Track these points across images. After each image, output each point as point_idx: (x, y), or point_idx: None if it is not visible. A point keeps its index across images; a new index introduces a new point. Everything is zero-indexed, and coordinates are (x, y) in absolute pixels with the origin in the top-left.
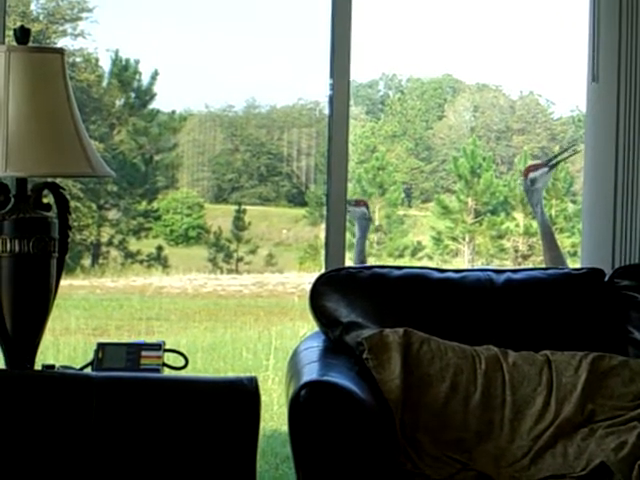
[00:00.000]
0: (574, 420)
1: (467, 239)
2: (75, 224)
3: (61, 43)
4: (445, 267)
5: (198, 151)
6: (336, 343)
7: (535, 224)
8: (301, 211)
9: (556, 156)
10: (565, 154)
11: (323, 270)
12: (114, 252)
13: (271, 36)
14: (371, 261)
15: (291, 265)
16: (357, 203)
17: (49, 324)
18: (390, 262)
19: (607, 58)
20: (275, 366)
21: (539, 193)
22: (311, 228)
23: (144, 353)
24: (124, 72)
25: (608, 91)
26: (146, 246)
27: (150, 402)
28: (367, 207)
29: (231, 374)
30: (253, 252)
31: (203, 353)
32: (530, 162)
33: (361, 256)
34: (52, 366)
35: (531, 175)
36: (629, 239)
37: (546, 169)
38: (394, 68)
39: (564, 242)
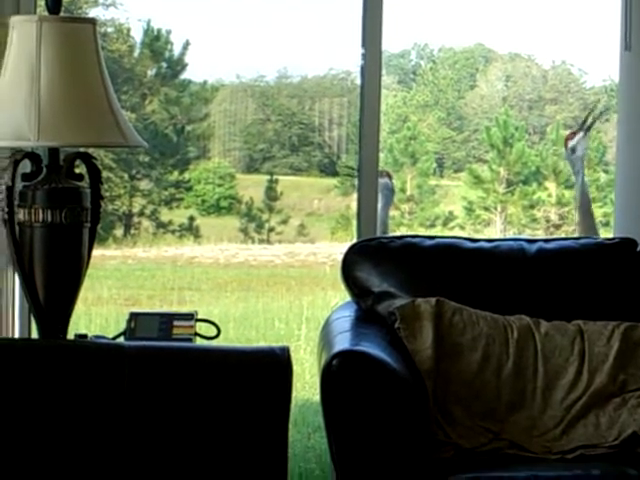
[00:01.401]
0: (606, 390)
1: (499, 209)
2: (107, 194)
3: (93, 13)
4: (477, 237)
5: (229, 121)
6: (368, 313)
7: (568, 194)
8: (333, 181)
9: (588, 119)
10: (597, 115)
11: (355, 240)
12: (146, 222)
13: (302, 5)
14: (403, 231)
15: (323, 235)
16: (380, 174)
17: (81, 294)
18: (422, 232)
19: None
20: (307, 336)
21: (580, 161)
22: (342, 198)
23: (176, 323)
24: (156, 42)
25: None
26: (178, 216)
27: (182, 372)
28: (390, 178)
29: (263, 344)
30: (285, 222)
31: (235, 323)
32: (567, 131)
33: (383, 227)
34: (85, 335)
35: (570, 143)
36: None
37: (582, 133)
38: (426, 38)
39: (597, 212)
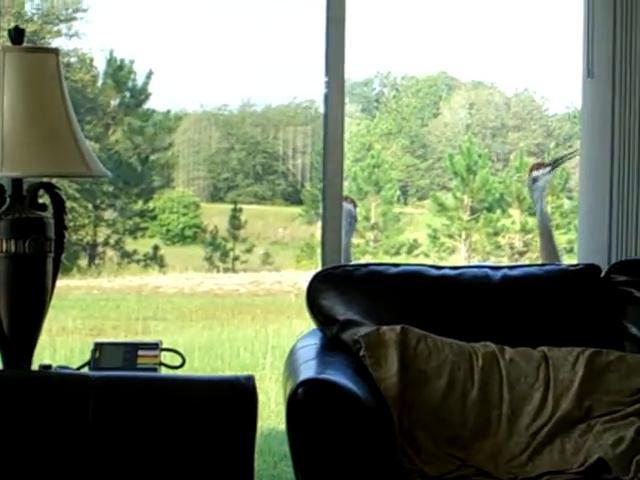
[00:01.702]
0: (572, 416)
1: (463, 236)
2: (71, 224)
3: (56, 43)
4: (442, 264)
5: (194, 150)
6: (333, 341)
7: (531, 221)
8: (297, 209)
9: (561, 158)
10: (569, 156)
11: (319, 268)
12: (110, 252)
13: (266, 35)
14: (367, 259)
15: (287, 264)
16: (343, 199)
17: (46, 324)
18: (386, 260)
19: (602, 53)
20: (272, 364)
21: (540, 191)
22: (307, 227)
23: (141, 352)
24: (119, 72)
25: (603, 86)
26: (142, 246)
27: (147, 402)
28: (354, 205)
29: (228, 373)
30: (249, 251)
31: (200, 352)
32: (535, 161)
33: (345, 253)
34: (49, 366)
35: (534, 173)
36: (625, 235)
37: (548, 169)
38: (389, 66)
39: (560, 238)
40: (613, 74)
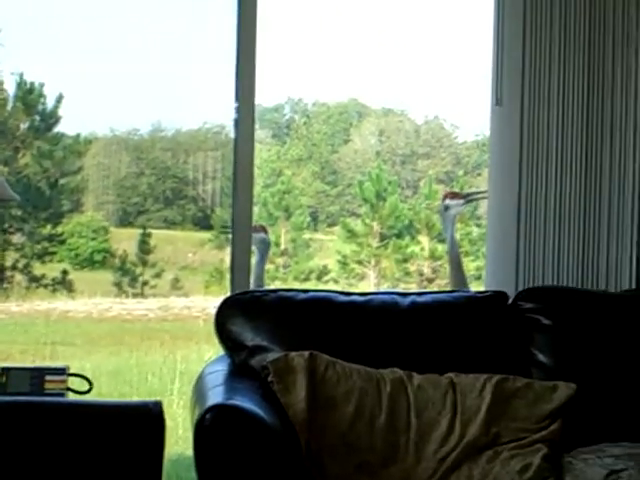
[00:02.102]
0: (479, 442)
1: (373, 262)
2: None
3: None
4: (351, 290)
5: (103, 174)
6: (241, 367)
7: (440, 247)
8: (207, 235)
9: (475, 194)
10: (483, 194)
11: (228, 294)
12: (18, 276)
13: (176, 59)
14: (277, 285)
15: (197, 289)
16: (256, 229)
17: None
18: (296, 286)
19: (510, 82)
20: (180, 390)
21: (451, 219)
22: (217, 252)
23: (48, 377)
24: (29, 95)
25: (511, 114)
26: (51, 270)
27: (54, 427)
28: (266, 232)
29: (136, 398)
30: (159, 276)
31: (108, 377)
32: (446, 189)
33: (259, 281)
34: None
35: (447, 202)
36: (532, 262)
37: (462, 201)
38: (300, 92)
39: (469, 265)
40: (521, 102)
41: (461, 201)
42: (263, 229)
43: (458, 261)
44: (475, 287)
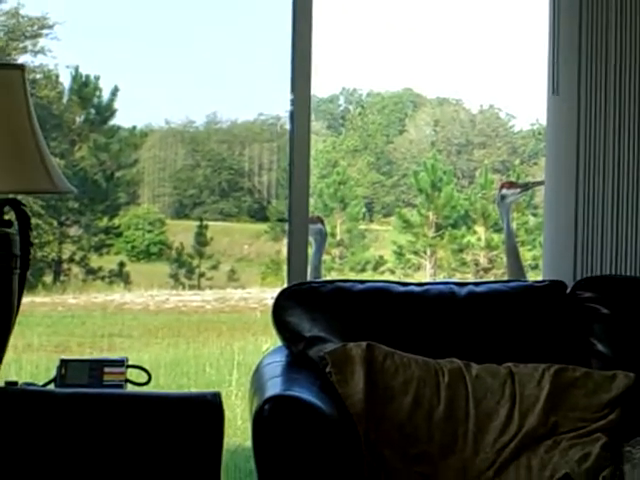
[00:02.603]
0: (538, 432)
1: (429, 253)
2: (36, 241)
3: (21, 60)
4: (407, 281)
5: (159, 167)
6: (299, 358)
7: (496, 237)
8: (263, 226)
9: (532, 184)
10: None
11: (285, 285)
12: (75, 269)
13: (232, 50)
14: (333, 276)
15: (253, 280)
16: (312, 220)
17: (11, 341)
18: (352, 277)
19: (567, 70)
20: (238, 381)
21: (507, 208)
22: (273, 243)
23: (107, 369)
24: (84, 88)
25: (568, 103)
26: (108, 262)
27: (113, 418)
28: (322, 223)
29: (194, 390)
30: (215, 267)
31: (166, 369)
32: (502, 178)
33: (316, 272)
34: (15, 383)
35: (503, 191)
36: (590, 251)
37: (518, 190)
38: (354, 83)
39: (525, 255)
40: (578, 91)
41: (517, 190)
42: (320, 220)
43: (515, 251)
44: (532, 277)
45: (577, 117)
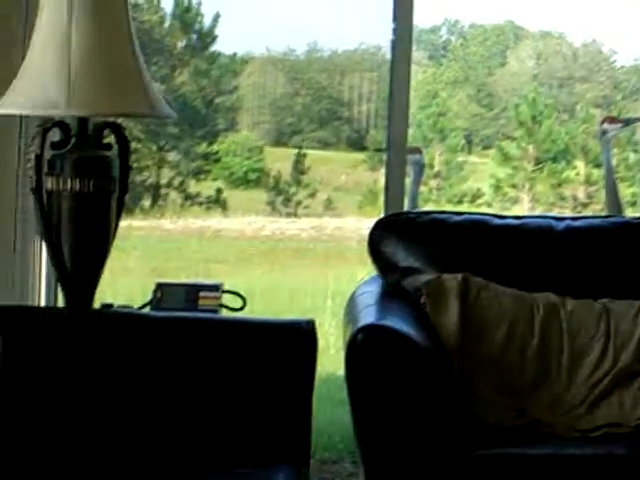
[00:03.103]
0: (632, 369)
1: (527, 187)
2: (135, 165)
3: None
4: (505, 214)
5: (259, 94)
6: (394, 288)
7: (595, 173)
8: (361, 155)
9: (636, 119)
10: None
11: (382, 215)
12: (173, 194)
13: None
14: (430, 207)
15: (350, 210)
16: (410, 150)
17: (108, 264)
18: (449, 208)
19: None
20: (332, 310)
21: (608, 143)
22: (370, 173)
23: (202, 294)
24: (186, 14)
25: None
26: (205, 188)
27: (208, 343)
28: (421, 153)
29: (289, 317)
30: (312, 196)
31: (261, 296)
32: (603, 113)
33: (413, 202)
34: (111, 305)
35: (605, 126)
36: None
37: (620, 125)
38: (457, 13)
39: (624, 191)
40: None
41: (619, 125)
42: (418, 150)
43: (614, 187)
44: (631, 213)
45: None
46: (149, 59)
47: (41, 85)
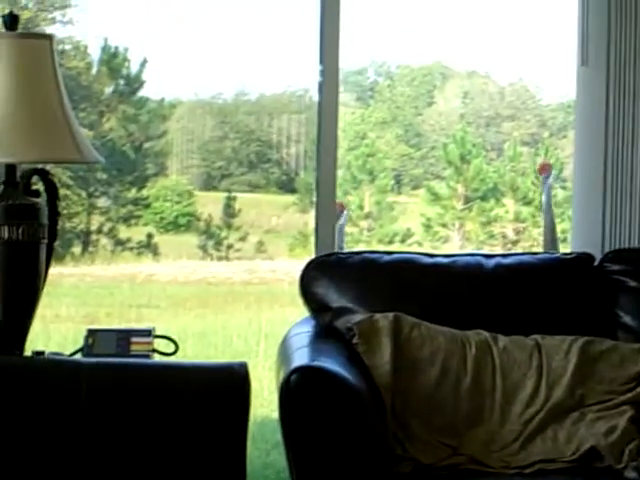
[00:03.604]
0: (564, 404)
1: (457, 225)
2: (65, 212)
3: (50, 31)
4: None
5: (187, 138)
6: (326, 328)
7: (525, 210)
8: (291, 198)
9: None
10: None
11: (313, 256)
12: (104, 240)
13: (259, 23)
14: (361, 247)
15: (281, 252)
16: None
17: (39, 311)
18: (380, 249)
19: (596, 41)
20: (266, 352)
21: (549, 188)
22: (301, 215)
23: (134, 339)
24: (113, 60)
25: (598, 75)
26: (136, 233)
27: (140, 388)
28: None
29: (221, 360)
30: (243, 239)
31: (194, 340)
32: (546, 162)
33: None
34: (42, 352)
35: (544, 173)
36: (619, 224)
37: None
38: (383, 55)
39: None
40: (607, 62)
41: (554, 172)
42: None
43: (552, 226)
44: (561, 250)
45: (606, 89)
46: (77, 105)
47: None
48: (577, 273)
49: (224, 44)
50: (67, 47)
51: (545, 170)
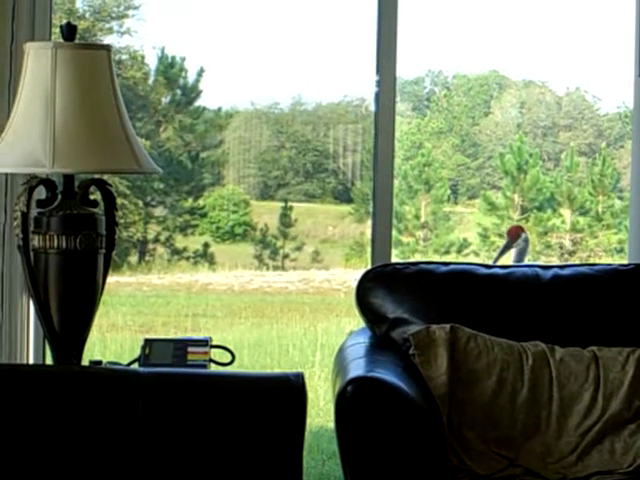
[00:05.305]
0: (621, 416)
1: None
2: (122, 221)
3: (107, 41)
4: (492, 264)
5: (244, 148)
6: (382, 339)
7: (582, 220)
8: (347, 208)
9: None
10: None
11: (369, 266)
12: (160, 249)
13: (317, 33)
14: (417, 258)
15: (337, 262)
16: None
17: (96, 321)
18: (436, 259)
19: None
20: (321, 362)
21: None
22: (357, 225)
23: (191, 349)
24: (170, 69)
25: None
26: (192, 243)
27: (197, 398)
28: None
29: (277, 370)
30: (299, 249)
31: (249, 349)
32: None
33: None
34: (99, 362)
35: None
36: None
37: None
38: (440, 64)
39: (611, 238)
40: None
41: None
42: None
43: None
44: (617, 260)
45: None
46: (134, 115)
47: (26, 143)
48: (634, 284)
49: (281, 54)
50: (124, 57)
51: (512, 233)
